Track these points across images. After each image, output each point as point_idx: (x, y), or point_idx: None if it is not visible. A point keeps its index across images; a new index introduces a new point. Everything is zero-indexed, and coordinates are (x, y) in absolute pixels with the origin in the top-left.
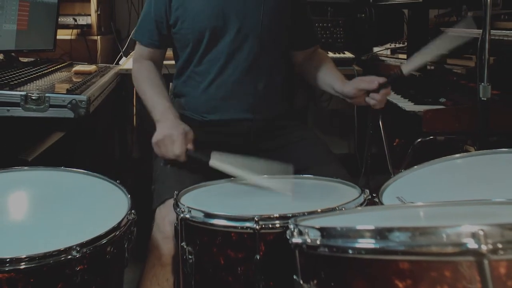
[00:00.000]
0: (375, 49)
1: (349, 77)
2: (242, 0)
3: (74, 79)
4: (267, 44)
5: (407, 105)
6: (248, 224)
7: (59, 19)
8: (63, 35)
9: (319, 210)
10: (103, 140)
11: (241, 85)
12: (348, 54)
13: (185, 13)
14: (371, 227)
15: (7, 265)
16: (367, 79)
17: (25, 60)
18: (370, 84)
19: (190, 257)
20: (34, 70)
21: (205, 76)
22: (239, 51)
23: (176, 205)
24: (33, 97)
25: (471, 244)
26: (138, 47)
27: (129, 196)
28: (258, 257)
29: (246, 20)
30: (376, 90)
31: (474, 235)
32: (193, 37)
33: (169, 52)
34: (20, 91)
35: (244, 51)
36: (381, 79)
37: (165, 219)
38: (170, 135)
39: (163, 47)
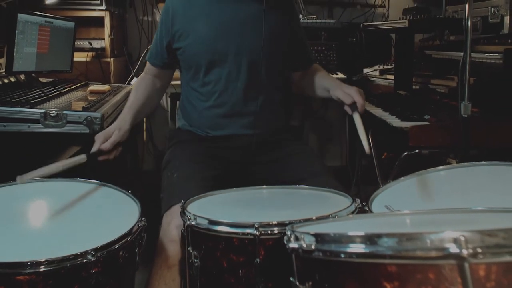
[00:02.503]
0: (365, 70)
1: None
2: (241, 25)
3: (89, 98)
4: (265, 66)
5: (395, 122)
6: (249, 230)
7: (75, 43)
8: (79, 57)
9: (314, 218)
10: None
11: (241, 104)
12: (340, 75)
13: (187, 39)
14: (362, 233)
15: (28, 268)
16: (348, 91)
17: (45, 80)
18: (346, 99)
19: (195, 260)
20: (52, 90)
21: (208, 96)
22: (239, 73)
23: (183, 213)
24: (52, 114)
25: (453, 249)
26: (147, 64)
27: (140, 204)
28: (258, 261)
29: (245, 44)
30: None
31: (455, 241)
32: (195, 61)
33: (177, 73)
34: (39, 108)
35: (244, 73)
36: (356, 96)
37: (170, 224)
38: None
39: (166, 68)
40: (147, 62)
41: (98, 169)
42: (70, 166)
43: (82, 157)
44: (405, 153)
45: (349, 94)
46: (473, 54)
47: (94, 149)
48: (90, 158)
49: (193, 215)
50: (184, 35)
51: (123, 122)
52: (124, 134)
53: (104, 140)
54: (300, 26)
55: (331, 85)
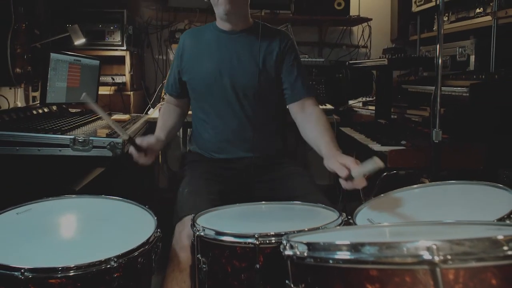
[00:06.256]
0: (350, 102)
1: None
2: (238, 62)
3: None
4: (263, 98)
5: (375, 146)
6: (250, 240)
7: (100, 78)
8: (104, 91)
9: (306, 229)
10: (135, 173)
11: (243, 131)
12: (328, 106)
13: (192, 73)
14: (347, 242)
15: (59, 272)
16: (343, 161)
17: (73, 110)
18: (340, 172)
19: (204, 266)
20: (80, 119)
21: (211, 125)
22: (240, 103)
23: (193, 225)
24: (80, 140)
25: (426, 256)
26: (166, 94)
27: (156, 218)
28: (258, 266)
29: (243, 80)
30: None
31: (428, 249)
32: (197, 93)
33: None
34: (69, 135)
35: (244, 104)
36: (354, 168)
37: (182, 233)
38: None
39: (180, 98)
40: (166, 93)
41: (129, 187)
42: (114, 128)
43: (126, 134)
44: (385, 174)
45: (344, 164)
46: (443, 88)
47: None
48: (129, 140)
49: (202, 227)
50: (189, 70)
51: (157, 135)
52: (157, 143)
53: (141, 141)
54: (299, 60)
55: (326, 154)
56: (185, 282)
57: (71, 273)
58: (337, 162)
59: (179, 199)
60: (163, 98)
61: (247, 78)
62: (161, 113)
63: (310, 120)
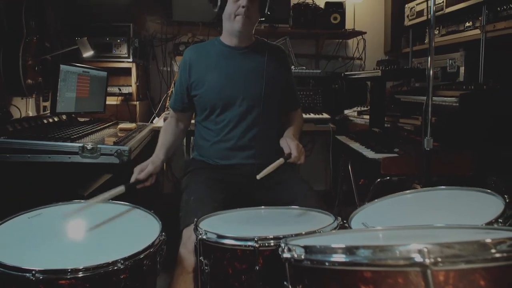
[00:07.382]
0: (346, 111)
1: (326, 133)
2: (246, 75)
3: (119, 134)
4: (266, 109)
5: (369, 154)
6: (250, 243)
7: (108, 89)
8: (111, 101)
9: (303, 233)
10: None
11: (246, 140)
12: (325, 115)
13: (202, 88)
14: (343, 245)
15: (68, 274)
16: (289, 143)
17: (82, 119)
18: (285, 148)
19: (206, 268)
20: (89, 127)
21: (217, 132)
22: (245, 114)
23: (195, 228)
24: (88, 148)
25: (418, 258)
26: (170, 110)
27: (161, 222)
28: (257, 268)
29: (249, 91)
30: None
31: (420, 251)
32: (208, 105)
33: None
34: (78, 143)
35: (249, 115)
36: (293, 149)
37: (189, 238)
38: (141, 165)
39: (185, 112)
40: (170, 109)
41: (136, 193)
42: (112, 197)
43: (121, 189)
44: (378, 180)
45: (288, 145)
46: (434, 98)
47: (132, 179)
48: (128, 188)
49: (204, 230)
50: (200, 84)
51: (156, 157)
52: (157, 167)
53: (140, 171)
54: (292, 75)
55: (284, 134)
56: (191, 284)
57: (80, 275)
58: (285, 141)
59: (185, 206)
60: (167, 108)
61: (254, 90)
62: (162, 130)
63: (292, 116)
